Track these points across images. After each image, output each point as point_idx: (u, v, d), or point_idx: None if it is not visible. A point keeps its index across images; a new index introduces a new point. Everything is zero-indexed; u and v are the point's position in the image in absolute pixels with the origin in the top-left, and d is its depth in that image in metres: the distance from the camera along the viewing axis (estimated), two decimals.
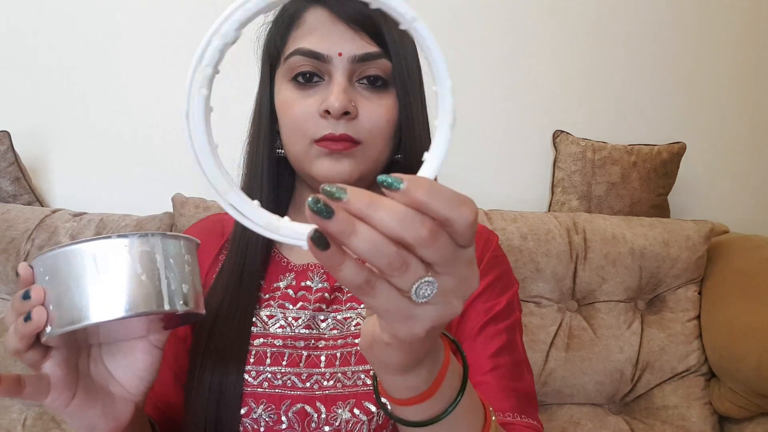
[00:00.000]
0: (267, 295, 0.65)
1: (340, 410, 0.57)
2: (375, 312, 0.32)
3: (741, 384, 1.18)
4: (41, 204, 1.48)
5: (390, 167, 0.64)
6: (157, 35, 1.53)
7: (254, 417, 0.58)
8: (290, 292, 0.65)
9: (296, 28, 0.61)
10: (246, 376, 0.59)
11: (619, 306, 1.33)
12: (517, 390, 0.60)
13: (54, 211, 1.34)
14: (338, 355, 0.60)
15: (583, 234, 1.32)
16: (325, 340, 0.61)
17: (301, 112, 0.60)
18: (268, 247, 0.67)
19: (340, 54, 0.58)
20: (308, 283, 0.65)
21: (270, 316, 0.63)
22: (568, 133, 1.55)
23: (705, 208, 1.65)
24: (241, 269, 0.64)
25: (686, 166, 1.52)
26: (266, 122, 0.65)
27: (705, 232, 1.33)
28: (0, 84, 1.52)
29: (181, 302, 0.45)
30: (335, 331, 0.62)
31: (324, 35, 0.59)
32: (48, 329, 0.43)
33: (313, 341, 0.61)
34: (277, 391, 0.58)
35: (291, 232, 0.30)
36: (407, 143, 0.62)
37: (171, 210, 1.33)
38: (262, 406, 0.58)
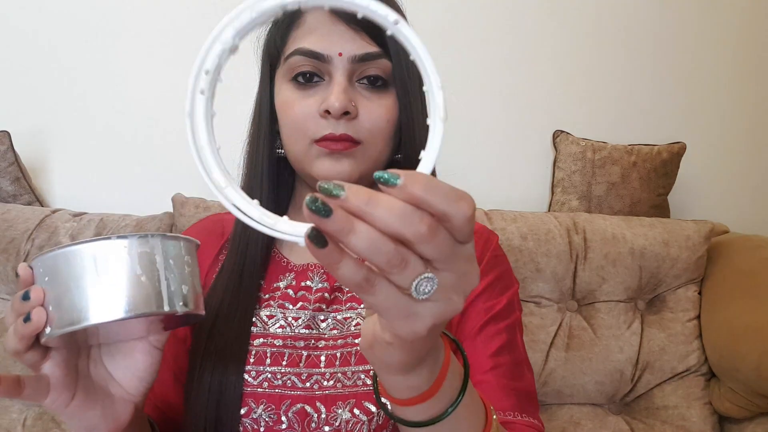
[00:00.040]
0: (267, 295, 0.65)
1: (340, 410, 0.57)
2: (375, 310, 0.32)
3: (741, 384, 1.18)
4: (41, 204, 1.48)
5: (390, 167, 0.64)
6: (157, 35, 1.53)
7: (254, 417, 0.58)
8: (290, 292, 0.65)
9: (296, 28, 0.61)
10: (246, 376, 0.59)
11: (619, 306, 1.33)
12: (518, 389, 0.60)
13: (54, 211, 1.34)
14: (338, 355, 0.60)
15: (583, 234, 1.32)
16: (325, 340, 0.61)
17: (301, 112, 0.60)
18: (268, 247, 0.67)
19: (340, 54, 0.58)
20: (308, 283, 0.65)
21: (270, 316, 0.63)
22: (568, 133, 1.55)
23: (705, 208, 1.65)
24: (241, 269, 0.64)
25: (686, 166, 1.52)
26: (266, 122, 0.65)
27: (705, 232, 1.33)
28: (0, 84, 1.52)
29: (181, 303, 0.45)
30: (335, 331, 0.62)
31: (324, 35, 0.59)
32: (47, 330, 0.43)
33: (313, 341, 0.61)
34: (277, 391, 0.58)
35: (289, 229, 0.30)
36: (407, 143, 0.62)
37: (171, 210, 1.33)
38: (262, 406, 0.58)
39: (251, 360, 0.60)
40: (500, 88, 1.60)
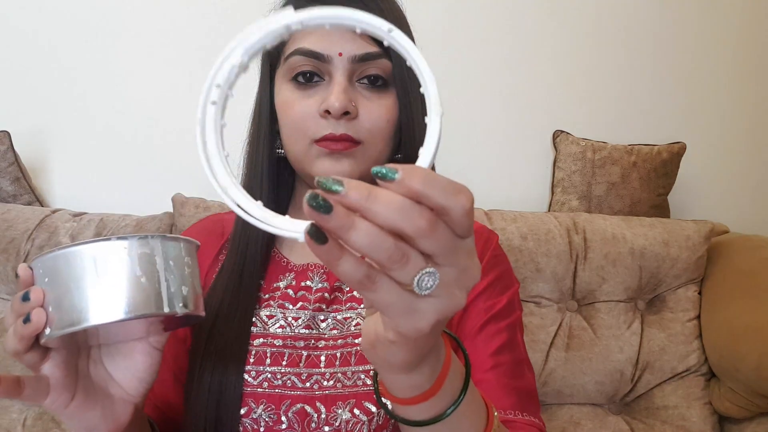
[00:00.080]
0: (267, 295, 0.65)
1: (340, 410, 0.57)
2: (377, 308, 0.32)
3: (741, 384, 1.18)
4: (41, 204, 1.48)
5: None
6: (157, 35, 1.53)
7: (254, 417, 0.58)
8: (290, 292, 0.65)
9: None
10: (246, 376, 0.59)
11: (619, 306, 1.33)
12: (518, 388, 0.60)
13: (54, 211, 1.34)
14: (338, 355, 0.60)
15: (583, 234, 1.32)
16: (325, 340, 0.61)
17: (301, 112, 0.60)
18: (268, 247, 0.67)
19: (340, 54, 0.58)
20: (308, 283, 0.65)
21: (270, 316, 0.63)
22: (568, 133, 1.55)
23: (705, 208, 1.65)
24: (241, 269, 0.64)
25: (686, 166, 1.53)
26: (266, 122, 0.65)
27: (705, 232, 1.33)
28: (0, 84, 1.52)
29: (181, 304, 0.45)
30: (335, 331, 0.62)
31: (324, 35, 0.59)
32: (47, 331, 0.43)
33: (313, 341, 0.61)
34: (276, 391, 0.58)
35: (288, 225, 0.30)
36: (407, 143, 0.62)
37: (171, 210, 1.33)
38: (261, 406, 0.58)
39: (251, 360, 0.60)
40: (500, 88, 1.60)
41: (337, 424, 0.57)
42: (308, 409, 0.58)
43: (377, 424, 0.57)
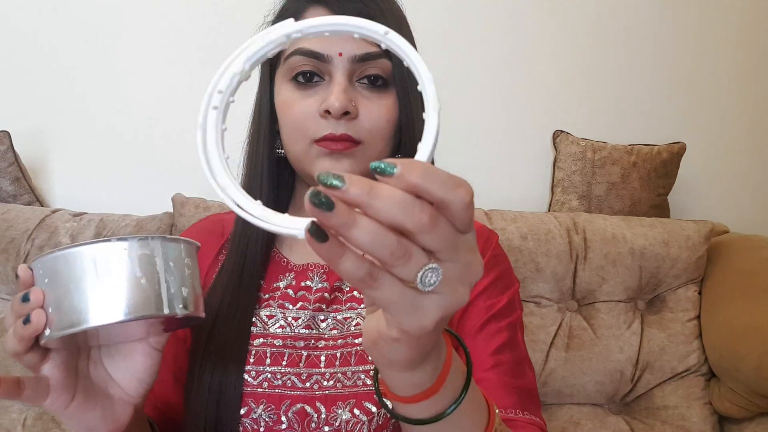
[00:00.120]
0: (267, 295, 0.65)
1: (340, 410, 0.57)
2: (380, 306, 0.31)
3: (741, 384, 1.18)
4: (41, 204, 1.48)
5: None
6: (157, 35, 1.53)
7: (254, 417, 0.58)
8: (290, 292, 0.65)
9: None
10: (246, 376, 0.59)
11: (619, 306, 1.33)
12: (519, 387, 0.60)
13: (54, 211, 1.34)
14: (338, 355, 0.60)
15: (583, 234, 1.32)
16: (325, 340, 0.61)
17: (302, 112, 0.60)
18: (268, 246, 0.67)
19: (340, 54, 0.58)
20: (308, 283, 0.65)
21: (270, 316, 0.63)
22: (568, 133, 1.55)
23: (705, 208, 1.65)
24: (241, 269, 0.64)
25: (686, 166, 1.53)
26: (266, 122, 0.65)
27: (705, 232, 1.33)
28: (0, 84, 1.52)
29: (181, 306, 0.45)
30: (335, 331, 0.62)
31: None
32: (47, 332, 0.42)
33: (312, 341, 0.61)
34: (276, 391, 0.58)
35: (284, 222, 0.30)
36: (407, 143, 0.62)
37: (171, 210, 1.33)
38: (261, 406, 0.58)
39: (251, 360, 0.60)
40: (500, 88, 1.60)
41: (337, 424, 0.57)
42: (308, 409, 0.58)
43: (377, 425, 0.57)
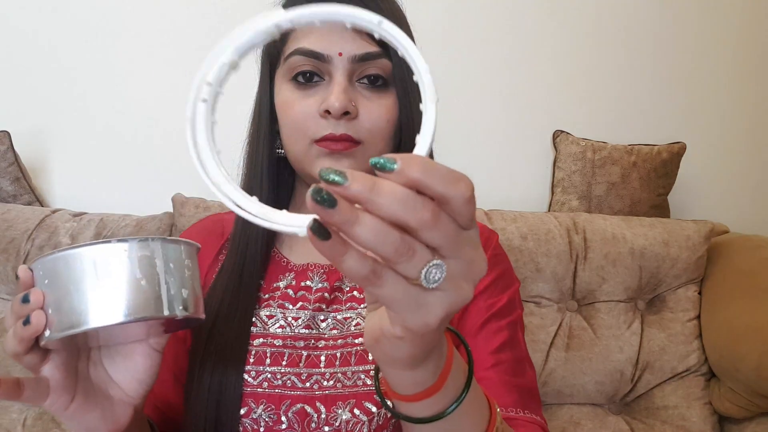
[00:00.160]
0: (267, 295, 0.65)
1: (340, 410, 0.57)
2: (384, 303, 0.31)
3: (741, 384, 1.18)
4: (41, 204, 1.48)
5: None
6: (157, 35, 1.53)
7: (254, 417, 0.58)
8: (290, 292, 0.65)
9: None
10: (246, 376, 0.59)
11: (619, 306, 1.33)
12: (520, 386, 0.59)
13: (54, 211, 1.34)
14: (338, 355, 0.60)
15: (583, 234, 1.32)
16: (325, 340, 0.61)
17: (302, 112, 0.60)
18: (268, 246, 0.67)
19: (340, 54, 0.58)
20: (308, 283, 0.65)
21: (270, 316, 0.63)
22: (568, 133, 1.55)
23: (705, 208, 1.65)
24: (241, 269, 0.64)
25: (686, 166, 1.52)
26: (266, 122, 0.65)
27: (705, 232, 1.33)
28: (0, 84, 1.52)
29: (181, 307, 0.44)
30: (335, 331, 0.62)
31: (324, 35, 0.59)
32: (47, 333, 0.42)
33: (312, 341, 0.61)
34: (276, 391, 0.58)
35: (284, 220, 0.29)
36: (407, 143, 0.62)
37: (171, 210, 1.33)
38: (261, 406, 0.58)
39: (251, 360, 0.60)
40: (500, 88, 1.60)
41: (337, 424, 0.57)
42: (308, 409, 0.58)
43: (377, 425, 0.57)
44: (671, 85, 1.64)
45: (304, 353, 0.60)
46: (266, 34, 0.33)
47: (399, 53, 0.32)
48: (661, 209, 1.52)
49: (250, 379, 0.59)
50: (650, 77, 1.63)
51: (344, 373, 0.59)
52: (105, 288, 0.42)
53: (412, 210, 0.27)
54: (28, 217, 1.30)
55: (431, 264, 0.28)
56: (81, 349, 0.49)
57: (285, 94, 0.61)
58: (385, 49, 0.59)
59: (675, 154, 1.49)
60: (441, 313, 0.30)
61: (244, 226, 0.66)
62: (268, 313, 0.63)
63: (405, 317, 0.30)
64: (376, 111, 0.60)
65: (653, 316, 1.33)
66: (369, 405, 0.57)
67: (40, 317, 0.42)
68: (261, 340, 0.61)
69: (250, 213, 0.30)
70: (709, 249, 1.34)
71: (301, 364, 0.60)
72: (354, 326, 0.62)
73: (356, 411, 0.57)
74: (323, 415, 0.57)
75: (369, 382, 0.58)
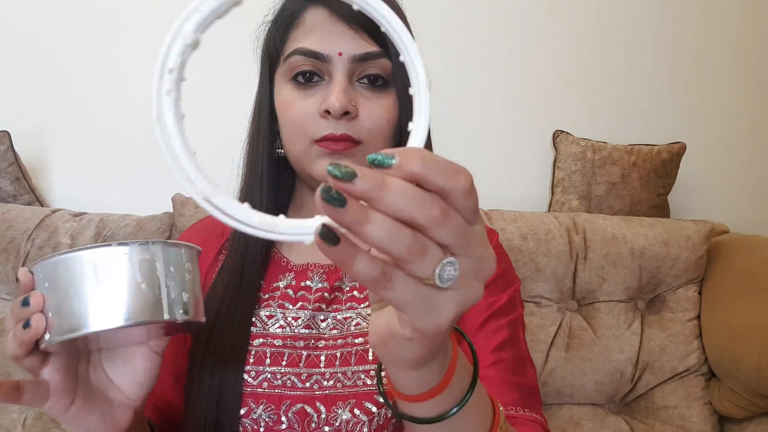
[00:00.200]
0: (266, 295, 0.65)
1: (340, 410, 0.57)
2: (394, 306, 0.30)
3: (741, 384, 1.18)
4: (41, 204, 1.48)
5: None
6: (157, 35, 1.51)
7: (254, 417, 0.57)
8: (290, 292, 0.65)
9: (296, 28, 0.61)
10: (245, 376, 0.59)
11: (619, 306, 1.33)
12: (520, 384, 0.59)
13: (54, 211, 1.34)
14: (338, 355, 0.60)
15: (583, 234, 1.32)
16: (325, 339, 0.61)
17: (301, 112, 0.60)
18: (267, 246, 0.67)
19: (340, 54, 0.58)
20: (308, 282, 0.65)
21: (269, 316, 0.63)
22: (568, 133, 1.55)
23: (705, 208, 1.65)
24: (241, 269, 0.64)
25: (686, 166, 1.52)
26: (266, 122, 0.65)
27: (705, 232, 1.33)
28: (0, 84, 1.52)
29: (181, 311, 0.44)
30: (335, 331, 0.62)
31: (324, 35, 0.59)
32: (47, 336, 0.42)
33: (312, 341, 0.61)
34: (276, 391, 0.58)
35: (290, 229, 0.28)
36: (407, 143, 0.62)
37: (171, 210, 1.33)
38: (261, 406, 0.58)
39: (251, 360, 0.60)
40: (500, 88, 1.60)
41: (337, 424, 0.57)
42: (308, 409, 0.57)
43: (377, 424, 0.57)
44: (671, 85, 1.64)
45: (304, 353, 0.60)
46: (230, 3, 0.29)
47: (382, 29, 0.30)
48: (661, 209, 1.52)
49: (250, 379, 0.59)
50: (650, 77, 1.63)
51: (344, 373, 0.59)
52: (105, 291, 0.42)
53: (421, 207, 0.26)
54: (28, 217, 1.30)
55: (445, 262, 0.27)
56: (81, 352, 0.49)
57: (285, 94, 0.61)
58: (385, 48, 0.59)
59: (675, 154, 1.49)
60: (452, 314, 0.29)
61: None
62: (267, 313, 0.63)
63: (415, 318, 0.29)
64: (376, 111, 0.60)
65: (653, 316, 1.33)
66: (369, 405, 0.57)
67: (40, 320, 0.42)
68: (261, 340, 0.61)
69: (250, 226, 0.28)
70: (709, 249, 1.34)
71: (301, 364, 0.60)
72: (354, 326, 0.62)
73: (356, 411, 0.57)
74: (323, 415, 0.57)
75: (369, 382, 0.58)
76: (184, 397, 0.61)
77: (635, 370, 1.28)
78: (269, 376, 0.59)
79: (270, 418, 0.57)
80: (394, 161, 0.26)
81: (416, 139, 0.30)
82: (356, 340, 0.61)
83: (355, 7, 0.29)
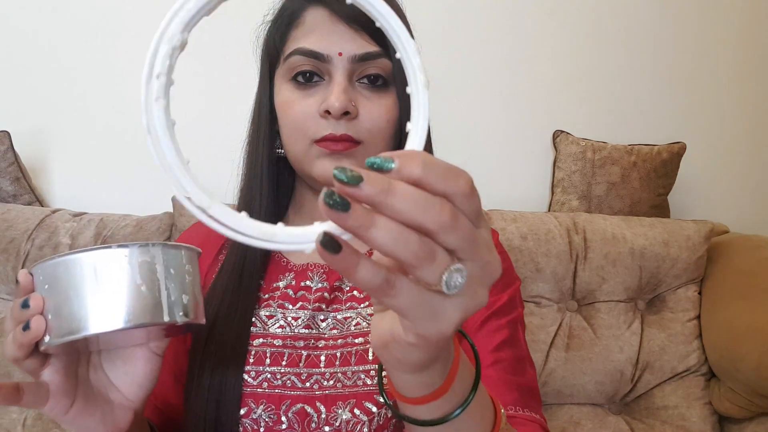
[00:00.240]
0: (266, 295, 0.65)
1: (340, 410, 0.57)
2: (397, 312, 0.29)
3: (741, 384, 1.18)
4: (41, 204, 1.48)
5: None
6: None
7: (254, 417, 0.57)
8: (290, 291, 0.65)
9: (296, 28, 0.61)
10: (245, 376, 0.59)
11: (619, 306, 1.33)
12: (520, 384, 0.59)
13: (54, 211, 1.34)
14: (338, 354, 0.60)
15: (583, 234, 1.32)
16: (325, 339, 0.61)
17: (301, 112, 0.60)
18: None
19: (340, 54, 0.58)
20: (308, 282, 0.65)
21: (269, 316, 0.63)
22: (568, 133, 1.55)
23: (705, 208, 1.65)
24: (241, 269, 0.64)
25: (686, 166, 1.52)
26: (266, 122, 0.65)
27: (705, 232, 1.33)
28: (0, 84, 1.52)
29: (181, 313, 0.44)
30: (335, 331, 0.62)
31: (324, 35, 0.59)
32: (46, 338, 0.42)
33: (312, 341, 0.61)
34: (276, 391, 0.58)
35: (288, 238, 0.28)
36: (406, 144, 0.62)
37: (171, 210, 1.33)
38: (261, 406, 0.58)
39: (251, 360, 0.60)
40: (500, 88, 1.60)
41: (337, 424, 0.57)
42: (308, 409, 0.57)
43: (378, 424, 0.57)
44: (671, 85, 1.64)
45: (304, 353, 0.60)
46: (215, 3, 0.28)
47: (377, 24, 0.29)
48: (661, 209, 1.52)
49: (249, 380, 0.59)
50: (650, 77, 1.63)
51: (344, 373, 0.59)
52: (105, 294, 0.42)
53: (430, 211, 0.26)
54: (28, 217, 1.30)
55: (453, 269, 0.27)
56: (81, 353, 0.49)
57: (285, 94, 0.61)
58: (385, 48, 0.59)
59: (675, 154, 1.49)
60: (456, 320, 0.29)
61: None
62: (267, 313, 0.63)
63: (419, 325, 0.29)
64: (376, 111, 0.60)
65: (653, 316, 1.33)
66: (369, 405, 0.57)
67: (40, 323, 0.42)
68: (261, 340, 0.61)
69: (248, 236, 0.28)
70: (709, 249, 1.34)
71: (301, 364, 0.60)
72: (354, 326, 0.62)
73: (356, 411, 0.57)
74: (323, 415, 0.57)
75: (369, 381, 0.58)
76: (184, 397, 0.61)
77: (635, 370, 1.28)
78: (269, 376, 0.59)
79: (270, 418, 0.57)
80: (393, 165, 0.26)
81: (415, 140, 0.30)
82: (356, 340, 0.61)
83: (349, 0, 0.28)
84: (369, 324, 0.61)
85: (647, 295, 1.35)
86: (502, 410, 0.43)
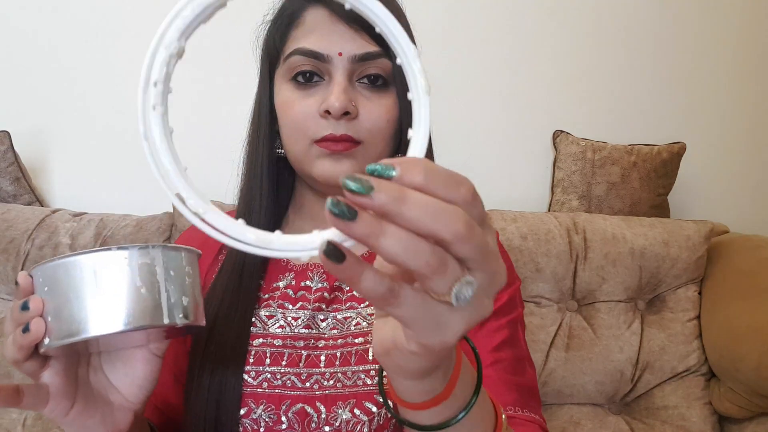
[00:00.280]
0: (266, 295, 0.65)
1: (340, 410, 0.57)
2: (401, 322, 0.29)
3: (741, 384, 1.18)
4: (41, 204, 1.48)
5: None
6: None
7: (254, 417, 0.57)
8: (290, 291, 0.65)
9: (296, 28, 0.61)
10: (245, 376, 0.59)
11: (619, 306, 1.33)
12: (519, 384, 0.59)
13: (54, 211, 1.34)
14: (338, 354, 0.60)
15: (583, 234, 1.32)
16: (325, 339, 0.61)
17: (302, 112, 0.60)
18: None
19: (340, 54, 0.58)
20: (308, 282, 0.65)
21: (269, 316, 0.63)
22: (568, 133, 1.55)
23: (705, 208, 1.65)
24: (241, 269, 0.64)
25: (686, 166, 1.52)
26: (266, 122, 0.65)
27: (705, 232, 1.33)
28: (0, 84, 1.52)
29: (181, 315, 0.44)
30: (335, 331, 0.62)
31: (324, 35, 0.59)
32: (46, 341, 0.42)
33: (312, 341, 0.61)
34: (276, 391, 0.58)
35: (285, 245, 0.27)
36: (408, 143, 0.62)
37: (171, 210, 1.33)
38: (261, 406, 0.58)
39: (251, 360, 0.60)
40: (500, 88, 1.60)
41: (337, 424, 0.57)
42: (308, 409, 0.57)
43: (378, 424, 0.57)
44: (671, 85, 1.64)
45: (304, 353, 0.60)
46: (214, 7, 0.28)
47: (377, 30, 0.29)
48: (661, 209, 1.52)
49: (249, 380, 0.59)
50: (650, 77, 1.63)
51: (344, 373, 0.59)
52: (105, 296, 0.42)
53: (445, 221, 0.25)
54: (28, 217, 1.30)
55: (464, 281, 0.26)
56: (81, 355, 0.49)
57: (285, 94, 0.61)
58: (386, 48, 0.59)
59: (675, 154, 1.49)
60: (460, 331, 0.28)
61: None
62: (267, 313, 0.63)
63: (422, 335, 0.29)
64: (376, 111, 0.60)
65: (653, 316, 1.33)
66: (369, 405, 0.57)
67: (40, 325, 0.42)
68: (261, 340, 0.61)
69: (244, 243, 0.27)
70: (709, 249, 1.34)
71: (301, 364, 0.60)
72: (354, 326, 0.62)
73: (356, 411, 0.57)
74: (323, 415, 0.57)
75: (369, 381, 0.58)
76: (184, 397, 0.61)
77: (635, 370, 1.28)
78: (269, 376, 0.59)
79: (270, 418, 0.57)
80: (394, 173, 0.25)
81: (416, 147, 0.29)
82: (356, 340, 0.61)
83: (347, 6, 0.28)
84: (369, 324, 0.61)
85: (647, 295, 1.35)
86: (503, 414, 0.43)
